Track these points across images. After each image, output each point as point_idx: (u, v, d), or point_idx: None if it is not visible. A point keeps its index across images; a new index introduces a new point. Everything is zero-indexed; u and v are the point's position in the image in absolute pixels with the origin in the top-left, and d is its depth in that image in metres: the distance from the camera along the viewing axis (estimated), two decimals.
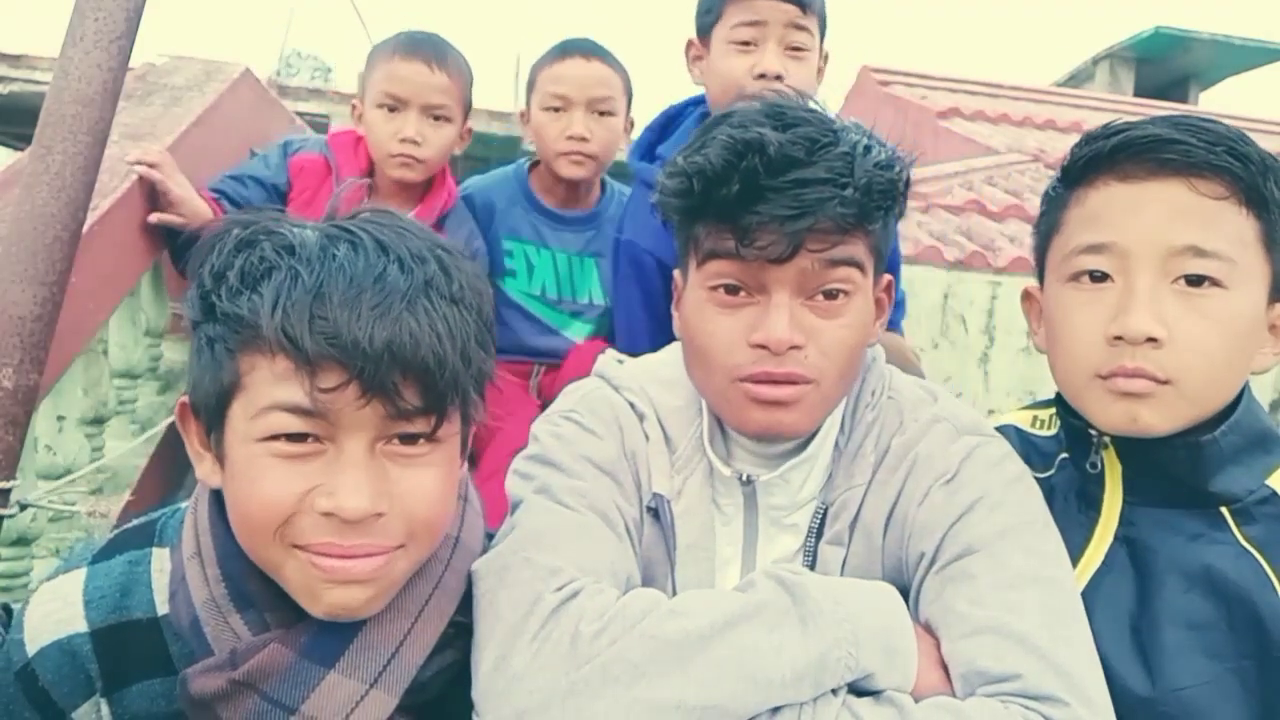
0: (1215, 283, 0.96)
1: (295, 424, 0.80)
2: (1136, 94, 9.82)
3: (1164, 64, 10.25)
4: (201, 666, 0.86)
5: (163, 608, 0.92)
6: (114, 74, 1.41)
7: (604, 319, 2.13)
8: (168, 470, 2.37)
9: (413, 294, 0.81)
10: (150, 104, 2.26)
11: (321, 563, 0.81)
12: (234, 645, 0.86)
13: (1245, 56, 10.25)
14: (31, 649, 0.90)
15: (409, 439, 0.84)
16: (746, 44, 1.61)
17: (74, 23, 1.40)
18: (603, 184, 2.21)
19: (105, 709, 0.91)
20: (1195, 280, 0.96)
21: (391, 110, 2.04)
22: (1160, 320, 0.96)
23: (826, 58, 1.71)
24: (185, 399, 0.89)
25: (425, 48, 2.05)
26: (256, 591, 0.87)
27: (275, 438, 0.81)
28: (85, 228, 1.43)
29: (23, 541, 1.69)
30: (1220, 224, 0.96)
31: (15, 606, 0.98)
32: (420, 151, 2.05)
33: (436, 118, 2.06)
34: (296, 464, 0.81)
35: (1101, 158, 1.02)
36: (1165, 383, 0.96)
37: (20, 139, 6.57)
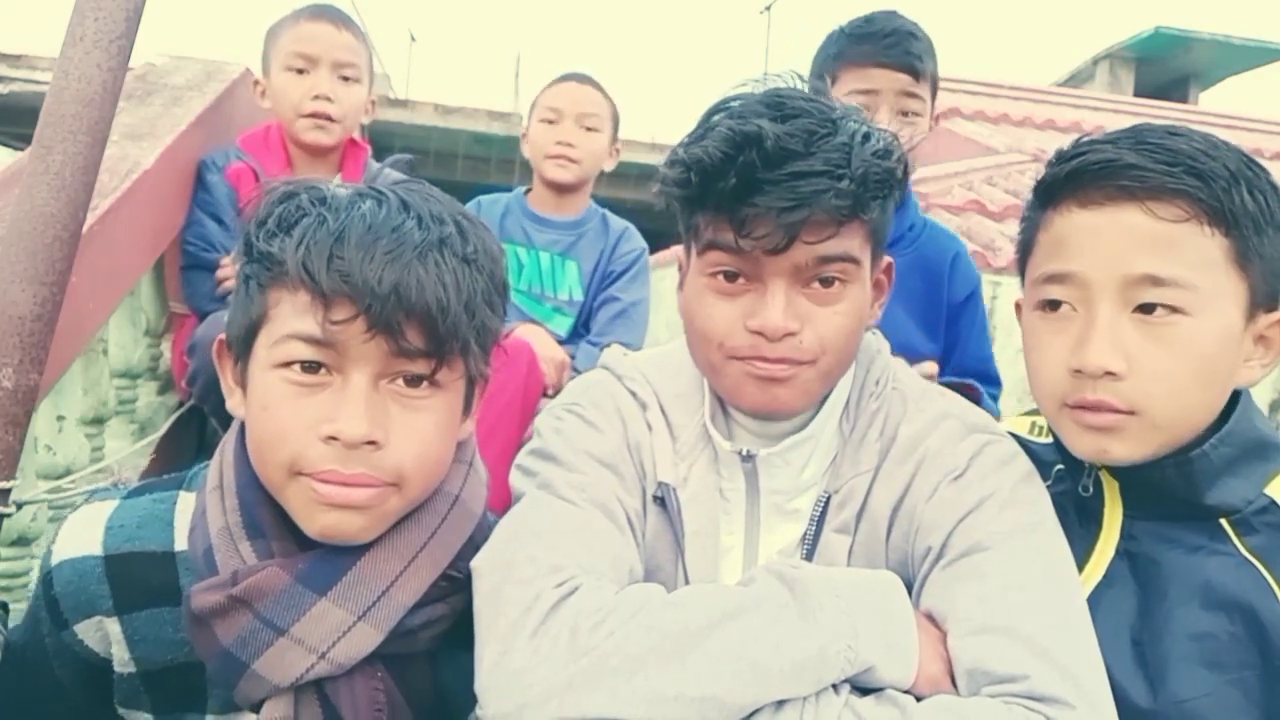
0: (1176, 310, 0.94)
1: (307, 352, 0.88)
2: (1136, 94, 9.84)
3: (1164, 64, 10.27)
4: (205, 585, 0.91)
5: (180, 544, 0.98)
6: (114, 74, 1.40)
7: (579, 314, 2.38)
8: (168, 470, 2.36)
9: (425, 247, 0.88)
10: (150, 104, 2.25)
11: (321, 488, 0.88)
12: (238, 568, 0.91)
13: (1245, 56, 10.27)
14: (54, 560, 0.97)
15: (412, 381, 0.91)
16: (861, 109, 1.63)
17: (74, 23, 1.39)
18: (593, 202, 2.43)
19: (116, 627, 0.96)
20: (1154, 309, 0.94)
21: (300, 72, 2.10)
22: (1120, 352, 0.94)
23: (939, 119, 1.77)
24: (223, 335, 0.97)
25: (331, 11, 2.15)
26: (267, 521, 0.94)
27: (290, 364, 0.89)
28: (85, 228, 1.42)
29: (23, 541, 1.69)
30: (1180, 249, 0.93)
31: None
32: (334, 110, 2.10)
33: (346, 78, 2.13)
34: (306, 394, 0.89)
35: (1061, 182, 1.00)
36: (1131, 414, 0.94)
37: (20, 139, 6.57)
